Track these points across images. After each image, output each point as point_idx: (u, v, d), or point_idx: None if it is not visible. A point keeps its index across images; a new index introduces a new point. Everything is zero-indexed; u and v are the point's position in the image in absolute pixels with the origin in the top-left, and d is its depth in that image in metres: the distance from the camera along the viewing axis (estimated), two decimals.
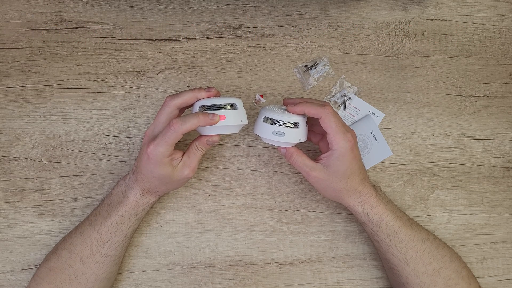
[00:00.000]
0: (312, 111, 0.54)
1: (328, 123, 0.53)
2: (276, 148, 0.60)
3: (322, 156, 0.56)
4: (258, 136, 0.65)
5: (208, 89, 0.55)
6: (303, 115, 0.56)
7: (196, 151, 0.56)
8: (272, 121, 0.55)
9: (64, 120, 0.64)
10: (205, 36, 0.66)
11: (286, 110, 0.56)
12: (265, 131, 0.55)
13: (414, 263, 0.57)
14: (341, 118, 0.55)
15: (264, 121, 0.56)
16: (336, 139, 0.53)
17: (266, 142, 0.58)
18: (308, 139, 0.60)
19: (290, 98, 0.58)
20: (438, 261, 0.57)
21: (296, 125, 0.55)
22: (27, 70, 0.64)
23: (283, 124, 0.55)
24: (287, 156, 0.57)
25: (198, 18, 0.66)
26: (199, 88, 0.55)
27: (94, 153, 0.64)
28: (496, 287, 0.66)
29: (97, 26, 0.65)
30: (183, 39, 0.66)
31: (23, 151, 0.64)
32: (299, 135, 0.55)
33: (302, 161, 0.56)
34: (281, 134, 0.55)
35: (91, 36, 0.65)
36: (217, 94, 0.56)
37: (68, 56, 0.65)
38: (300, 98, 0.57)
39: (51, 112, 0.64)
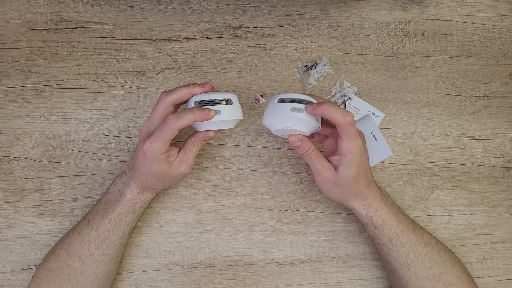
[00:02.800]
0: (333, 116, 0.51)
1: (346, 132, 0.52)
2: (288, 138, 0.54)
3: (332, 158, 0.55)
4: (258, 136, 0.65)
5: (202, 84, 0.55)
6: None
7: (192, 147, 0.56)
8: (288, 100, 0.53)
9: (64, 120, 0.64)
10: (205, 36, 0.66)
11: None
12: (281, 111, 0.53)
13: (415, 267, 0.56)
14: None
15: (278, 101, 0.53)
16: (349, 147, 0.52)
17: (278, 129, 0.55)
18: (312, 136, 0.59)
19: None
20: (439, 266, 0.57)
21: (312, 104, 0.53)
22: (27, 70, 0.64)
23: (300, 101, 0.52)
24: (301, 149, 0.54)
25: (198, 18, 0.66)
26: (194, 84, 0.55)
27: (94, 153, 0.64)
28: (496, 287, 0.66)
29: (97, 26, 0.65)
30: (183, 39, 0.66)
31: (23, 151, 0.64)
32: (317, 117, 0.54)
33: (317, 158, 0.54)
34: (300, 110, 0.52)
35: (91, 36, 0.65)
36: (212, 89, 0.56)
37: (68, 56, 0.65)
38: (318, 96, 0.56)
39: (51, 112, 0.64)
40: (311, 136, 0.60)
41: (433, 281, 0.56)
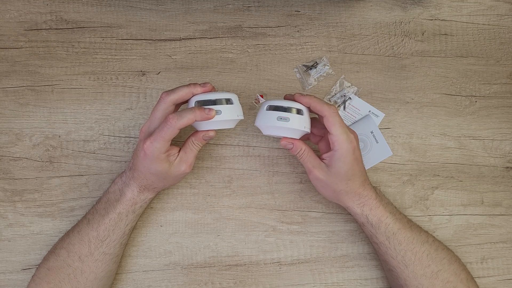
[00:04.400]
0: (318, 107, 0.54)
1: (332, 122, 0.53)
2: (280, 142, 0.57)
3: (325, 155, 0.56)
4: (258, 136, 0.65)
5: (203, 84, 0.55)
6: (306, 108, 0.56)
7: (192, 147, 0.56)
8: (275, 108, 0.54)
9: (64, 120, 0.64)
10: (205, 36, 0.66)
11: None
12: (268, 119, 0.54)
13: (412, 265, 0.56)
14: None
15: (267, 109, 0.55)
16: (339, 140, 0.53)
17: (268, 134, 0.57)
18: (307, 138, 0.60)
19: (291, 95, 0.57)
20: (436, 263, 0.57)
21: (299, 112, 0.54)
22: (27, 70, 0.64)
23: (287, 110, 0.54)
24: (293, 151, 0.56)
25: (198, 18, 0.66)
26: (195, 84, 0.55)
27: (94, 153, 0.64)
28: (496, 287, 0.66)
29: (97, 26, 0.65)
30: (183, 39, 0.66)
31: (23, 151, 0.64)
32: (304, 122, 0.55)
33: (308, 157, 0.56)
34: (286, 119, 0.54)
35: (91, 36, 0.65)
36: (213, 89, 0.56)
37: (68, 56, 0.65)
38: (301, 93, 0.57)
39: (51, 112, 0.64)
40: (307, 137, 0.60)
41: (431, 278, 0.56)
